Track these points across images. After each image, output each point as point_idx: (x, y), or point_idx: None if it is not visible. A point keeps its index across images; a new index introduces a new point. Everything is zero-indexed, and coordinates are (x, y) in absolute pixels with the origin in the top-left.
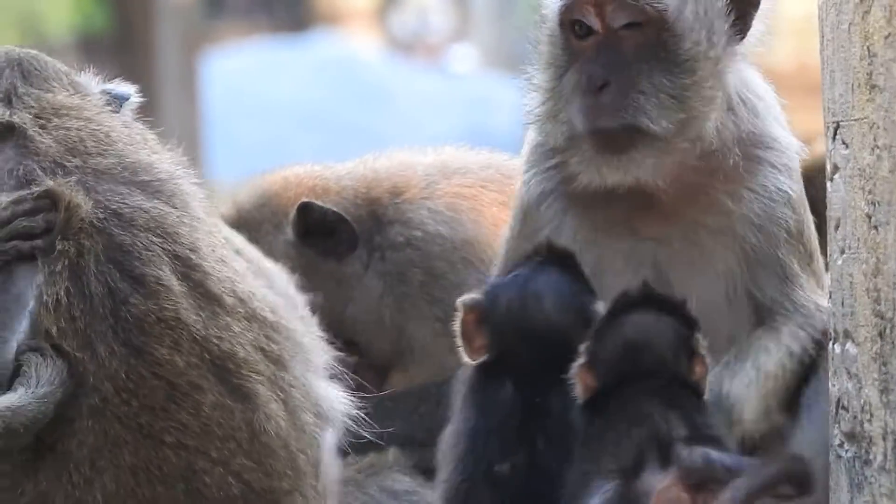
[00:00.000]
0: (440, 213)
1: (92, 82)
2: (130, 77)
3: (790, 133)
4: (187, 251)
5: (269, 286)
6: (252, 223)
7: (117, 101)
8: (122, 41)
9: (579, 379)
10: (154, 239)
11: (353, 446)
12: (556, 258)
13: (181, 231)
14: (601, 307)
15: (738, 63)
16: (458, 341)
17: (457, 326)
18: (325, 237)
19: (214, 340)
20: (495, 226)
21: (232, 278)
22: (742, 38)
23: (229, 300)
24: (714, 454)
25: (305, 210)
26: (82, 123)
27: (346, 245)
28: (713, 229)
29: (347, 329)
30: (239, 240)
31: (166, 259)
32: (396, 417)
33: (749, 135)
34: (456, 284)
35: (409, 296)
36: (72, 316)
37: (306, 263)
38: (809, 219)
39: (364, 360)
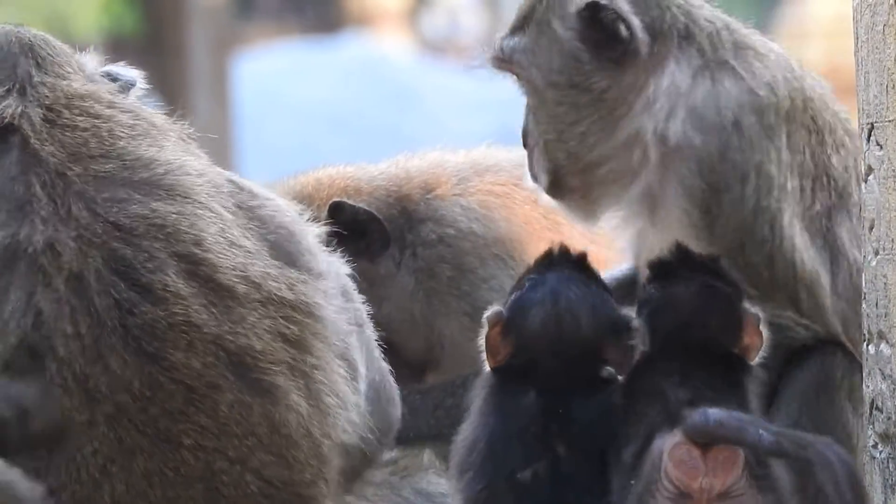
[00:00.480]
0: (473, 210)
1: (93, 63)
2: (161, 79)
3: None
4: (191, 247)
5: (288, 255)
6: None
7: (123, 86)
8: (152, 43)
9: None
10: (156, 245)
11: None
12: (571, 262)
13: (182, 227)
14: (629, 312)
15: (640, 73)
16: (483, 354)
17: (482, 340)
18: (358, 237)
19: (229, 337)
20: (527, 224)
21: (244, 263)
22: (624, 51)
23: (242, 288)
24: (717, 413)
25: (337, 209)
26: (89, 121)
27: (379, 245)
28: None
29: (382, 329)
30: (254, 184)
31: (171, 262)
32: (421, 412)
33: (656, 137)
34: (485, 279)
35: (438, 291)
36: (77, 332)
37: None
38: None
39: (398, 363)
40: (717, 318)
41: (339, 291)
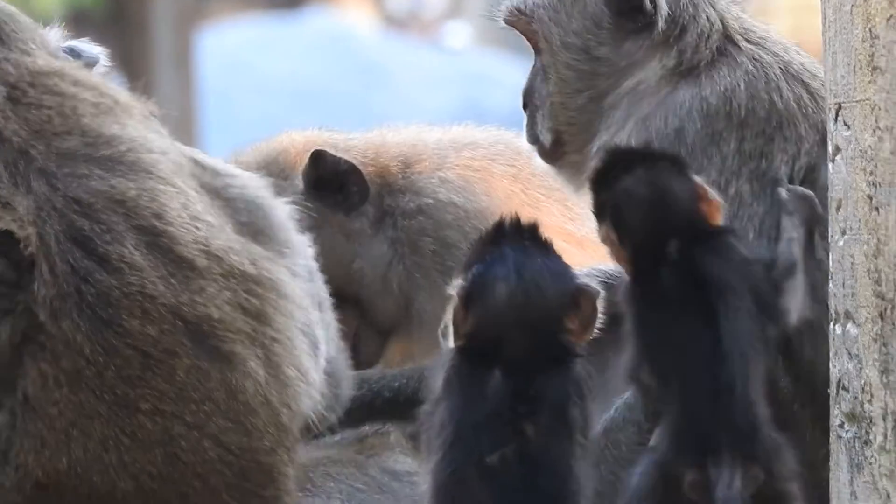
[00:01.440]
0: (452, 182)
1: (57, 37)
2: (124, 54)
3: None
4: (152, 221)
5: (254, 233)
6: None
7: (86, 62)
8: (114, 17)
9: (607, 243)
10: (114, 218)
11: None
12: (525, 232)
13: (142, 202)
14: (588, 280)
15: (647, 63)
16: (450, 327)
17: (450, 314)
18: (335, 190)
19: (186, 306)
20: (507, 198)
21: (205, 236)
22: (644, 24)
23: (202, 261)
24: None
25: (318, 159)
26: (54, 99)
27: (357, 198)
28: None
29: (354, 284)
30: (218, 162)
31: (130, 235)
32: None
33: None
34: None
35: (421, 266)
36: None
37: (314, 216)
38: None
39: (366, 324)
40: (675, 190)
41: (305, 270)
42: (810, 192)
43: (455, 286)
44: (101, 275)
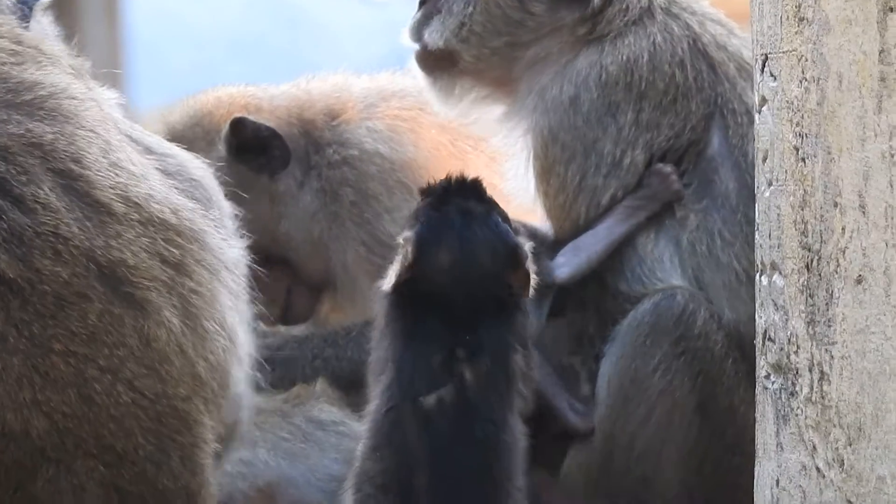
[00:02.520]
0: (380, 132)
1: None
2: (52, 3)
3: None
4: (70, 164)
5: (181, 187)
6: (185, 142)
7: (27, 6)
8: None
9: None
10: (31, 161)
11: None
12: (471, 191)
13: (59, 147)
14: (528, 246)
15: (560, 31)
16: (392, 275)
17: (396, 263)
18: (258, 154)
19: (100, 250)
20: (435, 150)
21: (125, 183)
22: (585, 4)
23: (119, 207)
24: None
25: (238, 125)
26: None
27: (279, 161)
28: None
29: (281, 246)
30: (154, 140)
31: (46, 177)
32: (298, 361)
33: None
34: (388, 209)
35: (339, 215)
36: None
37: (239, 180)
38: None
39: (297, 281)
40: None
41: (238, 244)
42: (668, 169)
43: (404, 237)
44: (14, 213)
